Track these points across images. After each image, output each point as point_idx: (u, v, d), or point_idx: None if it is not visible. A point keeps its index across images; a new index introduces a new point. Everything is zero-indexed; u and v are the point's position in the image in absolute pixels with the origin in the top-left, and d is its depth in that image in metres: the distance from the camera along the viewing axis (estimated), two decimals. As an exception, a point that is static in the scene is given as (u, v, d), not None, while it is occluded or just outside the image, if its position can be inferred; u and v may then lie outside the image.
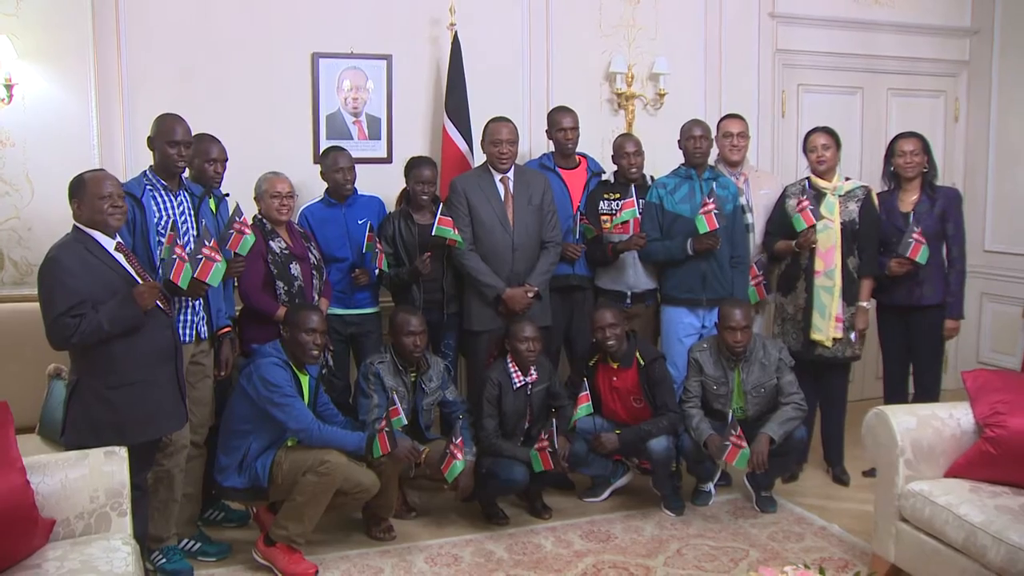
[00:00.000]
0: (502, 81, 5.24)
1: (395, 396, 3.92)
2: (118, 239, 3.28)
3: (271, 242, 4.11)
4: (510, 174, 4.52)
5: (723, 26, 5.72)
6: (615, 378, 4.38)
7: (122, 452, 3.02)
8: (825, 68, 6.04)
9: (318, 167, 4.55)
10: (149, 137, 3.68)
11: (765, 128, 5.84)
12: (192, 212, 3.73)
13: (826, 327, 4.50)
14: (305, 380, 3.86)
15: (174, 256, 3.35)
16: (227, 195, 4.09)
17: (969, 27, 6.38)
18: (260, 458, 3.73)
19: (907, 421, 3.50)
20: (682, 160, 4.66)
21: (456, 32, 4.93)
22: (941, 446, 3.48)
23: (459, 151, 4.90)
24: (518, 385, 4.23)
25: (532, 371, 4.25)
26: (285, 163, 4.48)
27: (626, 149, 4.67)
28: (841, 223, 4.52)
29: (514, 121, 4.59)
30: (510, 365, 4.23)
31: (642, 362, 4.31)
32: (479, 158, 4.80)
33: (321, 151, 4.65)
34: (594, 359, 4.43)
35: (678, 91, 5.56)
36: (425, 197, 4.47)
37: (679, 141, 4.63)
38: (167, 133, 3.61)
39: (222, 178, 4.08)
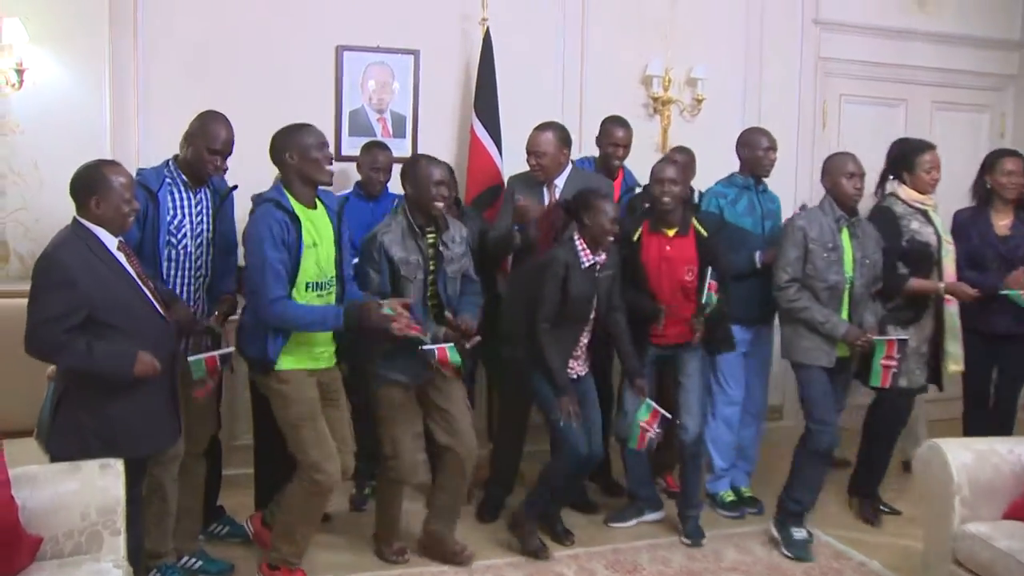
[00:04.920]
0: (533, 81, 5.01)
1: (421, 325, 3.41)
2: (120, 238, 3.03)
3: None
4: (558, 180, 4.24)
5: (764, 31, 5.49)
6: (668, 247, 3.98)
7: (118, 465, 2.81)
8: (868, 78, 5.82)
9: (339, 165, 4.32)
10: (188, 132, 3.44)
11: (805, 139, 5.61)
12: (210, 212, 3.51)
13: (958, 354, 4.18)
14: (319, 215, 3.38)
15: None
16: (235, 187, 3.75)
17: (1018, 39, 6.17)
18: (274, 334, 3.29)
19: (964, 456, 3.25)
20: (727, 168, 4.43)
21: (488, 28, 4.71)
22: (1000, 484, 3.24)
23: (487, 152, 4.67)
24: (587, 264, 3.78)
25: (601, 251, 3.83)
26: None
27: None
28: None
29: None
30: (578, 243, 3.81)
31: (704, 232, 3.98)
32: (507, 159, 4.63)
33: (361, 146, 4.41)
34: (638, 233, 4.01)
35: (716, 98, 5.32)
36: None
37: (741, 149, 4.41)
38: (210, 138, 3.38)
39: (223, 172, 3.60)
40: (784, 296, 3.93)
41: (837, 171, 3.93)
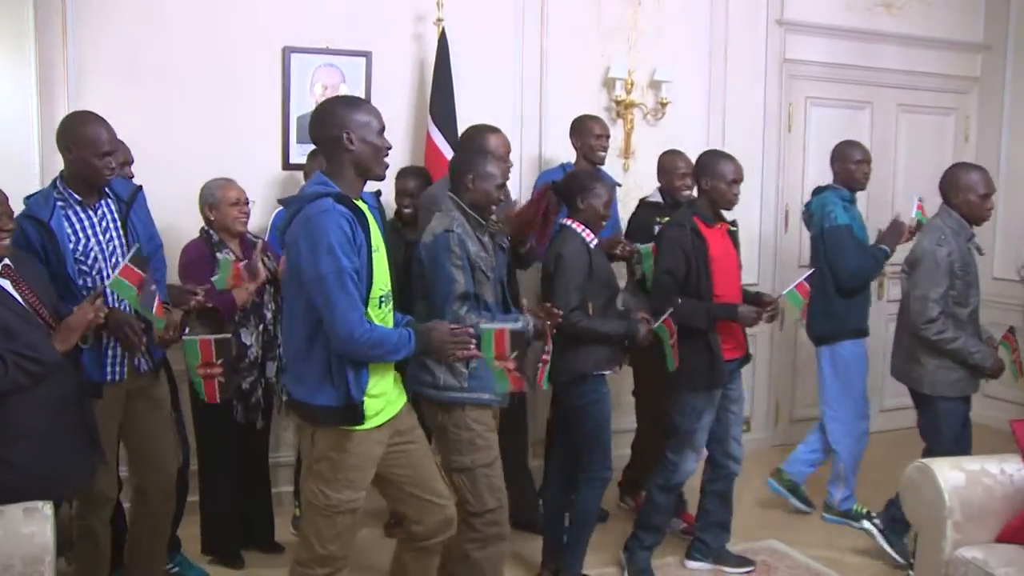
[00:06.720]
0: (491, 83, 4.76)
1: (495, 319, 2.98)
2: (5, 261, 2.67)
3: (219, 255, 3.57)
4: None
5: (728, 32, 5.31)
6: (724, 239, 3.70)
7: (45, 508, 2.53)
8: (834, 80, 5.68)
9: (287, 174, 4.07)
10: (62, 146, 2.98)
11: (771, 142, 5.48)
12: (119, 225, 3.09)
13: None
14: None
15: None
16: (140, 188, 3.28)
17: (981, 42, 6.09)
18: (356, 367, 2.59)
19: (955, 477, 3.07)
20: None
21: (443, 29, 4.47)
22: (992, 506, 3.06)
23: (444, 158, 4.41)
24: (595, 244, 3.50)
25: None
26: (250, 168, 4.03)
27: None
28: None
29: (504, 130, 3.98)
30: (574, 225, 3.49)
31: (733, 227, 3.76)
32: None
33: (308, 153, 4.15)
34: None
35: (680, 101, 5.14)
36: (408, 211, 4.00)
37: (837, 163, 4.32)
38: (93, 144, 2.92)
39: (114, 172, 3.09)
40: (933, 329, 3.66)
41: (970, 190, 3.72)
